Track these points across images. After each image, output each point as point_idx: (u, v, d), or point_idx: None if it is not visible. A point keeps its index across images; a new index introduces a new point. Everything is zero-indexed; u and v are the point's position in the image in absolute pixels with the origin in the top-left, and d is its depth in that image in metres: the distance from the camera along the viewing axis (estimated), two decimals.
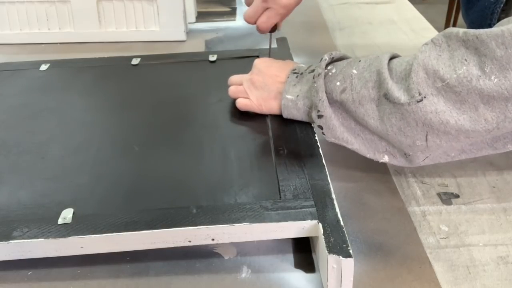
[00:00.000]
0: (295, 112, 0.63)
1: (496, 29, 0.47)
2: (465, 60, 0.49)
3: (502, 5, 0.76)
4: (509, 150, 0.55)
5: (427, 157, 0.56)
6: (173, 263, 0.51)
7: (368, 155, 0.59)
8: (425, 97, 0.50)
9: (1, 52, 1.03)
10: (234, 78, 0.71)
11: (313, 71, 0.62)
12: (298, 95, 0.62)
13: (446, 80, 0.49)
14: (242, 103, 0.68)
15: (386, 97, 0.53)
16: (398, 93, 0.52)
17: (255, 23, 0.73)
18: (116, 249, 0.50)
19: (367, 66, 0.57)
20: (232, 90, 0.70)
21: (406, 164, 0.58)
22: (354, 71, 0.57)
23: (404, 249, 0.52)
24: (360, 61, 0.58)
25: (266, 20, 0.72)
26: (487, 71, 0.47)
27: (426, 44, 0.52)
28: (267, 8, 0.71)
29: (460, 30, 0.50)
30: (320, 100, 0.58)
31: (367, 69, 0.56)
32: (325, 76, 0.59)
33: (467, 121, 0.50)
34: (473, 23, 0.85)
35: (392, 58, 0.57)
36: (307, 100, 0.61)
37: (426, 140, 0.53)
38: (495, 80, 0.47)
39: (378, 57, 0.57)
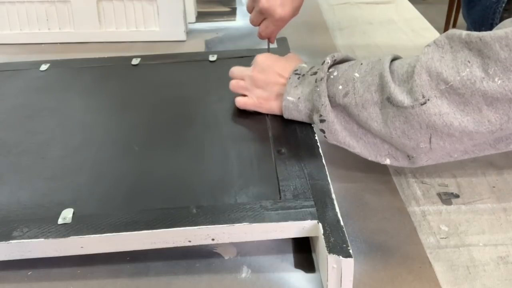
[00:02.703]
0: (296, 114, 0.63)
1: (499, 31, 0.47)
2: (468, 62, 0.49)
3: (504, 4, 0.76)
4: (511, 150, 0.55)
5: (430, 158, 0.56)
6: (173, 263, 0.51)
7: (370, 158, 0.59)
8: (428, 100, 0.50)
9: (1, 52, 1.03)
10: (236, 71, 0.71)
11: (315, 73, 0.62)
12: (299, 97, 0.62)
13: (450, 82, 0.49)
14: (241, 102, 0.68)
15: (389, 100, 0.53)
16: (401, 96, 0.52)
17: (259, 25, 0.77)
18: (116, 249, 0.50)
19: (369, 69, 0.56)
20: (233, 85, 0.69)
21: (408, 165, 0.58)
22: (356, 75, 0.57)
23: (404, 249, 0.52)
24: (362, 64, 0.58)
25: (264, 29, 0.76)
26: (491, 73, 0.47)
27: (429, 45, 0.52)
28: (265, 18, 0.75)
29: (463, 32, 0.50)
30: (322, 105, 0.58)
31: (369, 72, 0.56)
32: (327, 79, 0.59)
33: (470, 123, 0.50)
34: (474, 23, 0.85)
35: (393, 59, 0.56)
36: (308, 103, 0.61)
37: (430, 142, 0.53)
38: (499, 82, 0.47)
39: (379, 59, 0.56)
